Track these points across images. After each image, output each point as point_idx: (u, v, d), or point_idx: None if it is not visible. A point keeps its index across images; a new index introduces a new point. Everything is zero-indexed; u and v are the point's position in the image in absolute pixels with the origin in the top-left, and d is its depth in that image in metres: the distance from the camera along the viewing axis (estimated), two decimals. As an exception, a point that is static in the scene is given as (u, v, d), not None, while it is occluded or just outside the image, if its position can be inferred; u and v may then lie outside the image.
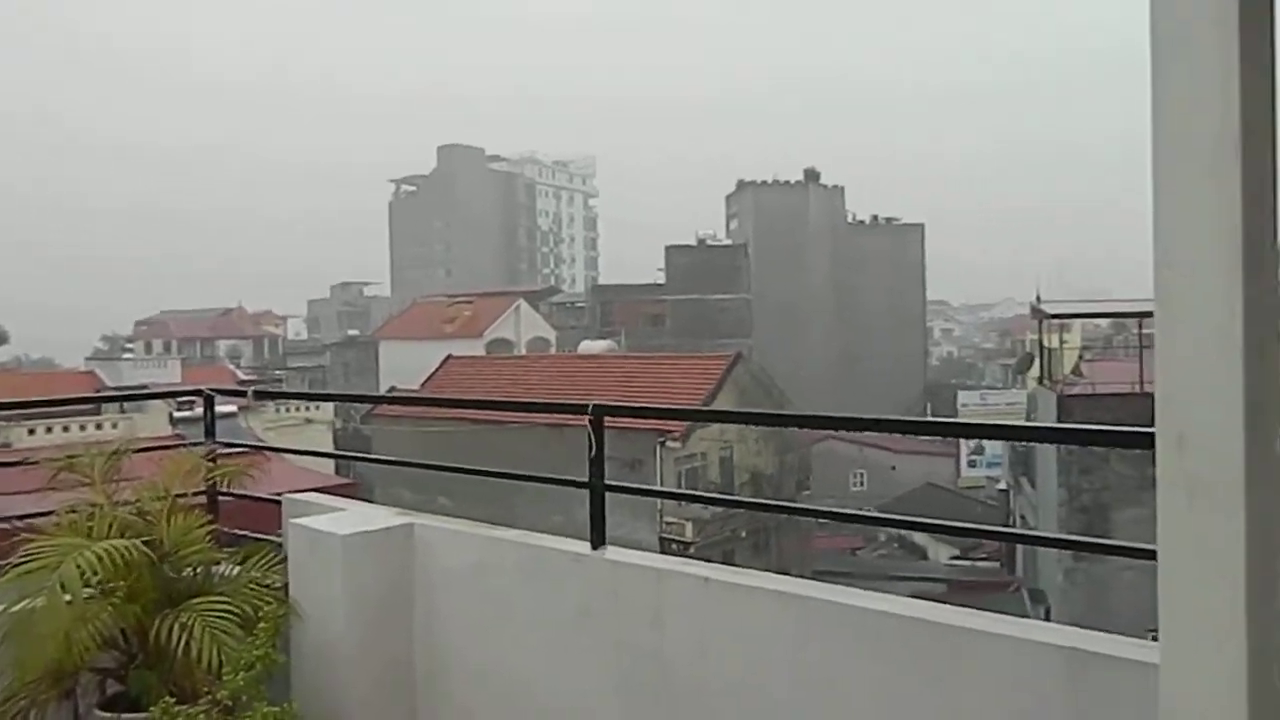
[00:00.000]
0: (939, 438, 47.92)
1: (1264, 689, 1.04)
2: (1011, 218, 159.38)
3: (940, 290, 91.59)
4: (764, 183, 71.86)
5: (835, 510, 7.09)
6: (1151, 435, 1.11)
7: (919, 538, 41.27)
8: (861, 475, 49.58)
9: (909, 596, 3.49)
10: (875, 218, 76.21)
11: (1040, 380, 28.11)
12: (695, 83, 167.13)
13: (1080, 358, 29.79)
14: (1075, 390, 24.87)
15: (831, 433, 42.95)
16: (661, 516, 27.58)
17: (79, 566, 3.65)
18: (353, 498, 5.98)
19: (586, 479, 3.86)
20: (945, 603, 3.28)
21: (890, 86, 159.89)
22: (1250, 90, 1.04)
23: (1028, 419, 30.37)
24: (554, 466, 4.94)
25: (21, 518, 4.31)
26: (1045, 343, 27.55)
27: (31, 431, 30.37)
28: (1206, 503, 1.06)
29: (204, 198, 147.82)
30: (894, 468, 49.02)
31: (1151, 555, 2.27)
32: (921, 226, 75.89)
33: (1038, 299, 28.92)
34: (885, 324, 69.80)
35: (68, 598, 3.64)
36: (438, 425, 26.49)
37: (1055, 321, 27.29)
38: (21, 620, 3.70)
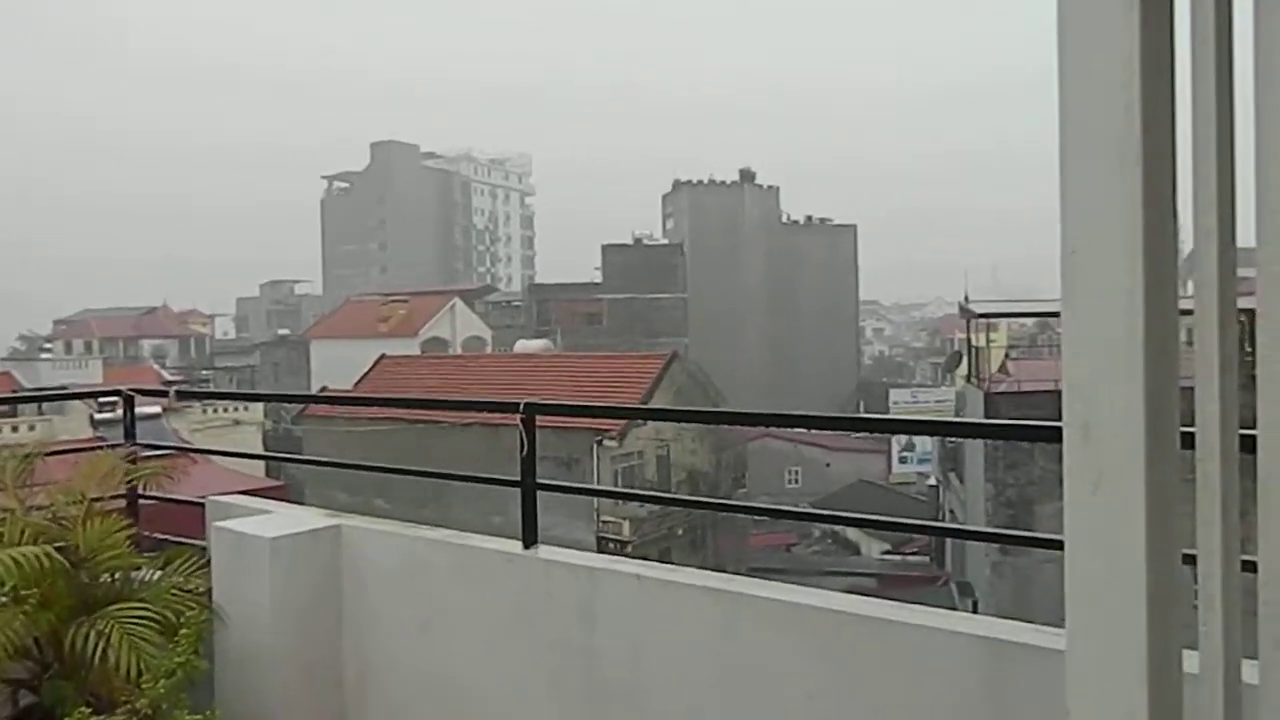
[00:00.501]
0: (871, 435, 48.81)
1: (1165, 675, 1.08)
2: (942, 219, 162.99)
3: (872, 290, 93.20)
4: (700, 182, 72.31)
5: (770, 507, 7.18)
6: (1056, 428, 1.14)
7: (851, 533, 41.90)
8: (796, 472, 50.22)
9: (842, 591, 3.53)
10: (809, 218, 77.20)
11: (968, 378, 28.76)
12: (633, 82, 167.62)
13: (1006, 356, 30.57)
14: (1001, 388, 25.51)
15: (767, 430, 43.42)
16: (598, 515, 27.57)
17: (-11, 573, 3.52)
18: (283, 500, 5.86)
19: (518, 478, 3.84)
20: (876, 597, 3.34)
21: (827, 90, 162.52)
22: (1150, 92, 1.08)
23: (956, 416, 31.04)
24: (490, 466, 4.90)
25: (-73, 524, 4.13)
26: (973, 341, 28.19)
27: (-58, 435, 29.19)
28: (1110, 492, 1.10)
29: (125, 187, 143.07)
30: (828, 464, 49.76)
31: (1053, 545, 2.34)
32: (854, 227, 77.13)
33: (966, 299, 29.58)
34: (819, 323, 70.80)
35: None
36: (372, 425, 26.12)
37: (982, 321, 27.94)
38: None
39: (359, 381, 35.36)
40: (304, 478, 24.93)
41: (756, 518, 34.72)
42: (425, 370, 38.19)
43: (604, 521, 27.93)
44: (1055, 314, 26.84)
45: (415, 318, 52.99)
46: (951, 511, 31.29)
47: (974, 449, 24.94)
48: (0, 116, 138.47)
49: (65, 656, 3.80)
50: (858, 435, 48.95)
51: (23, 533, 3.93)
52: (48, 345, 67.07)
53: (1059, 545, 2.63)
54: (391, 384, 34.58)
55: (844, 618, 2.97)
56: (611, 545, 25.92)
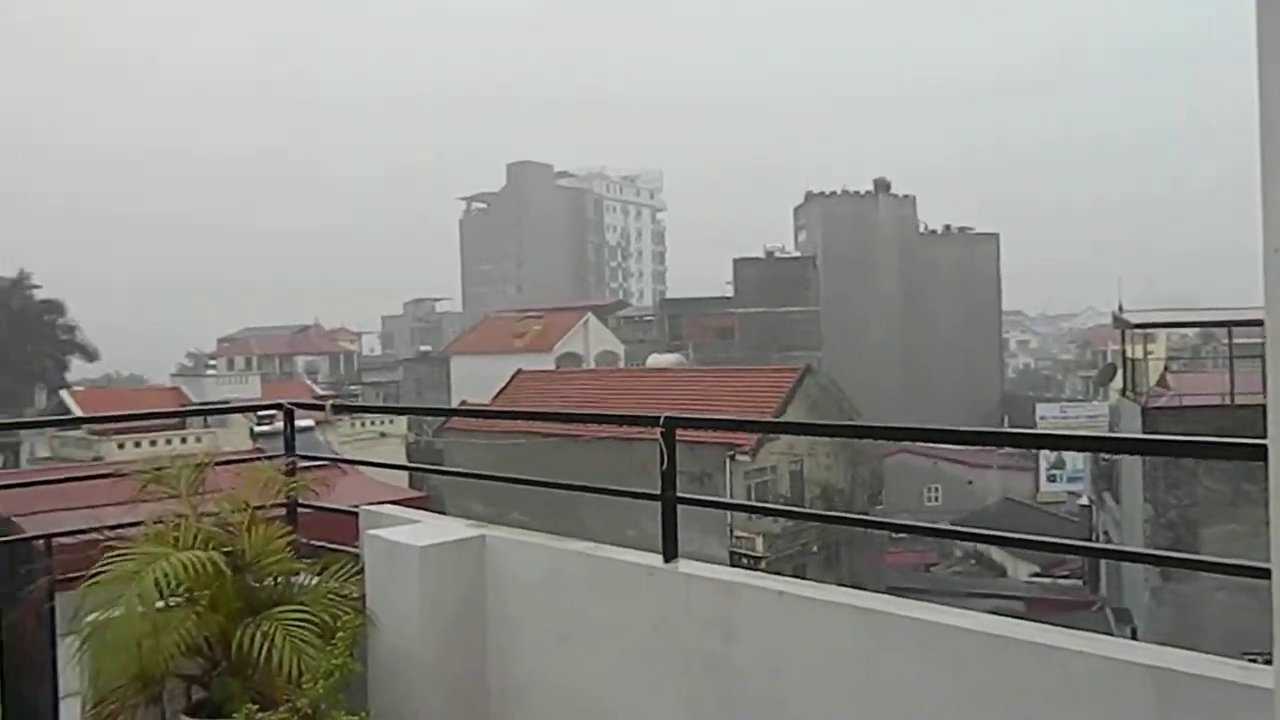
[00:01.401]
0: (1017, 452, 46.79)
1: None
2: (1094, 226, 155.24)
3: (1016, 300, 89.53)
4: (832, 193, 71.12)
5: (910, 523, 6.93)
6: (1259, 446, 1.06)
7: (997, 554, 40.29)
8: (936, 489, 48.65)
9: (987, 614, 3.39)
10: (948, 227, 74.70)
11: (1123, 392, 27.26)
12: (763, 93, 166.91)
13: (1166, 369, 28.78)
14: (1161, 402, 24.06)
15: (905, 445, 42.25)
16: (731, 531, 27.41)
17: (161, 575, 3.75)
18: (427, 510, 6.05)
19: (658, 491, 3.84)
20: (1025, 620, 3.18)
21: (969, 89, 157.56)
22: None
23: (1111, 432, 29.46)
24: (624, 480, 4.94)
25: (113, 528, 4.45)
26: (1129, 353, 26.71)
27: (121, 445, 31.65)
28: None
29: (275, 215, 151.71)
30: (970, 482, 47.99)
31: (1254, 573, 2.17)
32: (996, 236, 74.19)
33: (1120, 308, 28.09)
34: (959, 335, 68.39)
35: (141, 609, 3.74)
36: (509, 438, 26.78)
37: (1139, 331, 26.45)
38: (101, 627, 3.83)
39: (496, 396, 36.34)
40: (444, 488, 25.79)
41: (895, 534, 33.82)
42: (560, 384, 38.95)
43: (737, 537, 27.74)
44: (1220, 324, 25.18)
45: (550, 333, 54.21)
46: (1106, 533, 29.67)
47: (1131, 467, 23.59)
48: (171, 160, 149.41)
49: (233, 655, 4.00)
50: (1002, 451, 47.08)
51: (195, 537, 4.18)
52: (212, 362, 71.64)
53: (1245, 570, 2.44)
54: (527, 398, 35.39)
55: (995, 640, 2.84)
56: (745, 561, 25.72)
